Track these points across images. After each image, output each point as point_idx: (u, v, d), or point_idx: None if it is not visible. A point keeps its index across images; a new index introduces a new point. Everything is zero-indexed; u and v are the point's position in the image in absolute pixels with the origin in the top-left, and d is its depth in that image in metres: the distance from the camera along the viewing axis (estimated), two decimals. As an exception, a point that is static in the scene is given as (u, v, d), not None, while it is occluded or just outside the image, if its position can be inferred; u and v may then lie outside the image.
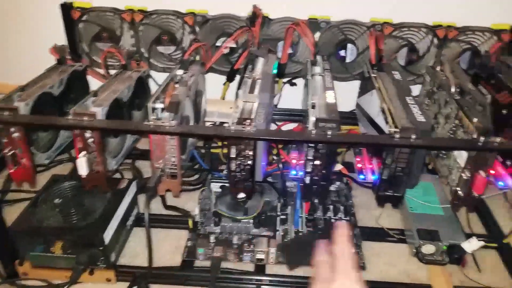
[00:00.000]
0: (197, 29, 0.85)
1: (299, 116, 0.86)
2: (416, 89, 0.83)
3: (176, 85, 0.63)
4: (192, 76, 0.67)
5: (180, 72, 0.68)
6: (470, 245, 0.65)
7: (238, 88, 0.64)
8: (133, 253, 0.73)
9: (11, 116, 0.55)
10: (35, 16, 0.96)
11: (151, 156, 0.58)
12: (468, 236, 0.68)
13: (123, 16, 0.85)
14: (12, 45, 1.02)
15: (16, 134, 0.57)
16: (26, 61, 1.01)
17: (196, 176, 0.91)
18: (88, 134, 0.56)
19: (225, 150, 0.87)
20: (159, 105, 0.58)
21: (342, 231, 0.42)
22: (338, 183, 0.86)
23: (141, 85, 0.75)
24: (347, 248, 0.41)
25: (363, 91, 0.80)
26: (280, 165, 0.75)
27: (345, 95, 0.87)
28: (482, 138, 0.53)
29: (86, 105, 0.62)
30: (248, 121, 0.55)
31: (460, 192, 0.57)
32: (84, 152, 0.57)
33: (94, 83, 0.81)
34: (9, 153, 0.58)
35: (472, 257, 0.72)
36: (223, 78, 0.86)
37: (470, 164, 0.55)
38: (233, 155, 0.56)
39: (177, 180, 0.60)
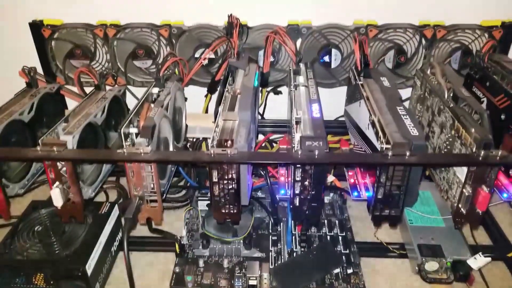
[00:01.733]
0: (173, 41, 0.81)
1: (285, 126, 0.83)
2: (405, 92, 0.80)
3: (152, 105, 0.60)
4: (169, 94, 0.64)
5: (155, 90, 0.65)
6: (477, 262, 0.61)
7: (218, 104, 0.60)
8: (120, 280, 0.70)
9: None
10: (4, 37, 0.92)
11: (128, 184, 0.55)
12: (473, 248, 0.64)
13: (95, 32, 0.82)
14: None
15: (-17, 168, 0.54)
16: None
17: (184, 192, 0.88)
18: (60, 164, 0.53)
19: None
20: (133, 130, 0.55)
21: None
22: (331, 194, 0.83)
23: (117, 103, 0.72)
24: None
25: (350, 98, 0.77)
26: (268, 182, 0.71)
27: (331, 101, 0.84)
28: (482, 152, 0.49)
29: (57, 133, 0.58)
30: (229, 142, 0.52)
31: (462, 209, 0.54)
32: (57, 183, 0.54)
33: (71, 102, 0.78)
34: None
35: (479, 273, 0.67)
36: (204, 90, 0.82)
37: (471, 179, 0.52)
38: (215, 179, 0.53)
39: (157, 207, 0.57)
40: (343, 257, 0.70)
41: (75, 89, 0.81)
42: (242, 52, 0.78)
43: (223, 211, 0.56)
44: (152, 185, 0.55)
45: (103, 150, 0.62)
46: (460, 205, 0.54)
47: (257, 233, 0.74)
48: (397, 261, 0.72)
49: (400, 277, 0.69)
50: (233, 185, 0.54)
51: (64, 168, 0.54)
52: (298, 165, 0.52)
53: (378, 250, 0.74)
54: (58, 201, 0.55)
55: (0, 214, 0.59)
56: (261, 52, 0.82)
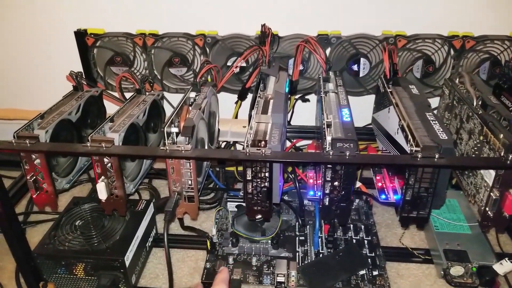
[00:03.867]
0: (207, 50, 0.86)
1: (313, 132, 0.86)
2: (433, 102, 0.82)
3: (190, 108, 0.64)
4: (205, 98, 0.68)
5: (192, 94, 0.69)
6: (503, 267, 0.62)
7: (251, 108, 0.64)
8: (153, 274, 0.74)
9: (32, 144, 0.57)
10: (52, 44, 0.99)
11: (168, 180, 0.59)
12: (498, 255, 0.64)
13: (135, 41, 0.87)
14: (32, 73, 1.05)
15: (37, 161, 0.58)
16: (46, 88, 1.04)
17: (212, 195, 0.91)
18: (106, 159, 0.57)
19: (240, 168, 0.87)
20: (174, 129, 0.58)
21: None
22: (357, 200, 0.85)
23: (156, 107, 0.76)
24: None
25: (378, 106, 0.79)
26: (297, 184, 0.74)
27: (358, 109, 0.86)
28: (510, 156, 0.50)
29: (103, 131, 0.63)
30: (263, 142, 0.55)
31: (489, 213, 0.55)
32: (103, 177, 0.58)
33: (109, 105, 0.83)
34: (31, 179, 0.59)
35: (504, 279, 0.68)
36: (235, 97, 0.86)
37: (499, 183, 0.53)
38: (249, 177, 0.56)
39: (194, 203, 0.60)
40: (369, 259, 0.72)
41: (114, 94, 0.87)
42: (273, 60, 0.82)
43: (256, 208, 0.59)
44: (190, 182, 0.58)
45: (147, 147, 0.66)
46: (487, 209, 0.55)
47: (284, 234, 0.77)
48: (422, 266, 0.73)
49: (425, 282, 0.70)
50: (266, 183, 0.56)
51: (110, 164, 0.58)
52: (329, 166, 0.55)
53: (403, 255, 0.75)
54: (103, 194, 0.59)
55: (49, 206, 0.63)
56: (290, 61, 0.85)
